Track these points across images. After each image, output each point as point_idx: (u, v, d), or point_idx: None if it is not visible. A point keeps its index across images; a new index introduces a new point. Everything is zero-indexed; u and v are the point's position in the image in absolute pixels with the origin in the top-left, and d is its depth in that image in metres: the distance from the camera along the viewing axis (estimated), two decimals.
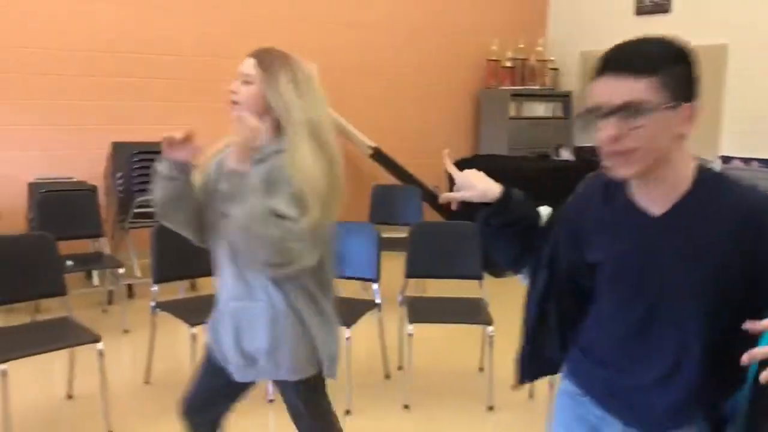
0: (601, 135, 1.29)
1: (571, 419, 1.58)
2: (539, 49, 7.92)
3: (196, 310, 3.55)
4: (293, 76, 1.97)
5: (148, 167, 5.23)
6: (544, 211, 1.69)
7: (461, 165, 1.73)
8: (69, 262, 4.38)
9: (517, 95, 7.67)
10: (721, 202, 1.32)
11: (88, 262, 4.63)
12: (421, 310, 3.69)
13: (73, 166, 5.64)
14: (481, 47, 7.79)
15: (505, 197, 1.62)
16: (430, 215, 6.65)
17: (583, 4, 7.92)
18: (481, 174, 1.67)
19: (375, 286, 3.73)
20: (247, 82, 1.97)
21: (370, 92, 7.17)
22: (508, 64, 7.78)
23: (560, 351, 1.61)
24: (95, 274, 5.28)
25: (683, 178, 1.35)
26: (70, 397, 3.51)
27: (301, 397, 2.13)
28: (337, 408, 2.26)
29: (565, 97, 7.99)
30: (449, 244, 3.89)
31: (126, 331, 4.44)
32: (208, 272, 3.89)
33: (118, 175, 5.45)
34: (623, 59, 1.28)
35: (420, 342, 4.09)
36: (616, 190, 1.45)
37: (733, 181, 1.36)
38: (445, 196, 1.69)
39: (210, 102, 6.11)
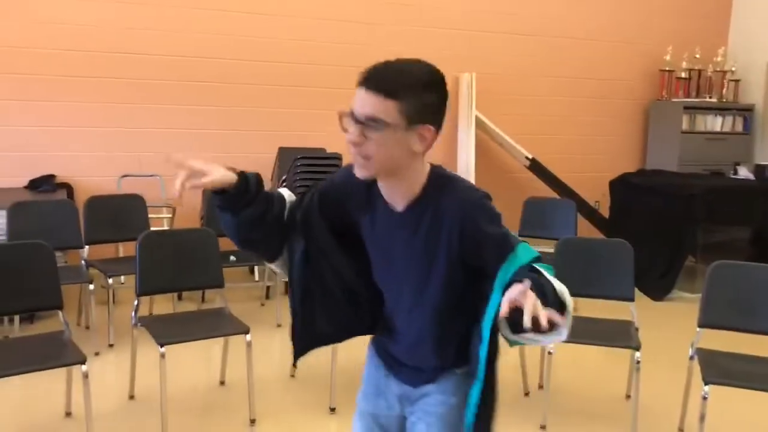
0: (347, 137, 1.49)
1: (368, 377, 1.86)
2: (718, 59, 7.39)
3: None
4: None
5: (308, 171, 5.54)
6: (286, 192, 1.75)
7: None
8: (232, 258, 4.70)
9: (691, 108, 7.20)
10: (445, 199, 1.56)
11: (249, 258, 4.93)
12: None
13: (243, 168, 6.03)
14: (653, 56, 7.41)
15: (242, 179, 1.57)
16: (587, 232, 6.42)
17: None
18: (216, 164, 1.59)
19: None
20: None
21: (529, 101, 7.05)
22: (683, 74, 7.33)
23: (330, 324, 1.77)
24: (256, 269, 5.62)
25: (419, 181, 1.58)
26: (222, 383, 3.77)
27: None
28: None
29: (747, 111, 7.39)
30: (599, 262, 3.73)
31: (279, 326, 4.69)
32: None
33: (283, 178, 5.77)
34: (379, 79, 1.46)
35: (562, 362, 3.97)
36: (369, 185, 1.63)
37: (456, 180, 1.61)
38: (176, 185, 1.49)
39: None
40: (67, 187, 5.53)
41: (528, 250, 1.55)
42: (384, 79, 1.46)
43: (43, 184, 5.38)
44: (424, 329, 1.68)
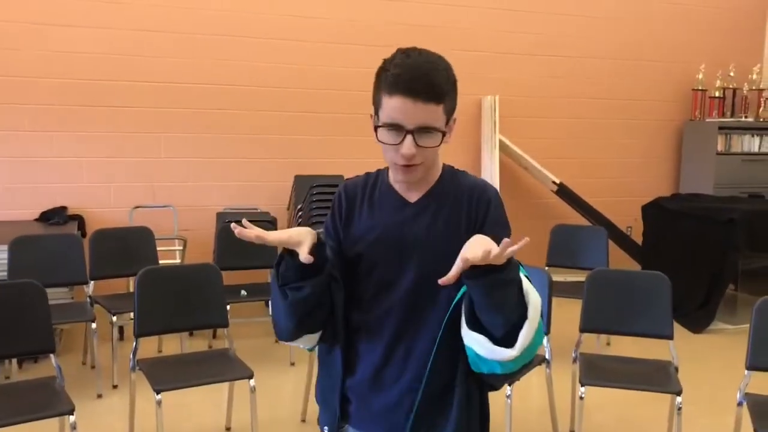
0: (403, 151, 1.45)
1: None
2: (754, 77, 7.07)
3: None
4: None
5: (324, 200, 5.33)
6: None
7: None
8: (243, 292, 4.49)
9: (726, 128, 6.87)
10: (458, 188, 1.59)
11: (261, 292, 4.71)
12: (597, 371, 3.27)
13: (259, 198, 5.87)
14: (685, 75, 7.11)
15: (319, 239, 1.49)
16: (618, 259, 6.11)
17: None
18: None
19: (545, 339, 3.37)
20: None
21: (555, 124, 6.79)
22: (717, 93, 7.01)
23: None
24: (270, 304, 5.39)
25: (435, 174, 1.60)
26: (228, 429, 3.52)
27: None
28: None
29: None
30: (634, 296, 3.43)
31: (292, 364, 4.44)
32: None
33: (299, 206, 5.57)
34: (420, 86, 1.42)
35: (595, 406, 3.67)
36: (375, 182, 1.64)
37: (463, 173, 1.65)
38: (240, 231, 1.40)
39: None
40: (79, 219, 5.39)
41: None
42: (429, 85, 1.43)
43: (54, 216, 5.23)
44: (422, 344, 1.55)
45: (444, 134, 1.48)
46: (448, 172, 1.62)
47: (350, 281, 1.59)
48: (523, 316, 1.39)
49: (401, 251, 1.55)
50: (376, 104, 1.49)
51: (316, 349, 1.70)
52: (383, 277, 1.56)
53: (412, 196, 1.58)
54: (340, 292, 1.56)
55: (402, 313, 1.55)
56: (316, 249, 1.44)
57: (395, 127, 1.44)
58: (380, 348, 1.56)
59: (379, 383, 1.57)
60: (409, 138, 1.43)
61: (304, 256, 1.39)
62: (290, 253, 1.45)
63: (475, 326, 1.41)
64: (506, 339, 1.39)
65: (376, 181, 1.64)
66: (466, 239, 1.42)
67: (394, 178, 1.57)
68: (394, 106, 1.43)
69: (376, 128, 1.49)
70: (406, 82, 1.41)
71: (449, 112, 1.49)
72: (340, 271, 1.57)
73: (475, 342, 1.42)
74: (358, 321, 1.59)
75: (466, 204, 1.55)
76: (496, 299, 1.37)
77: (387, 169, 1.63)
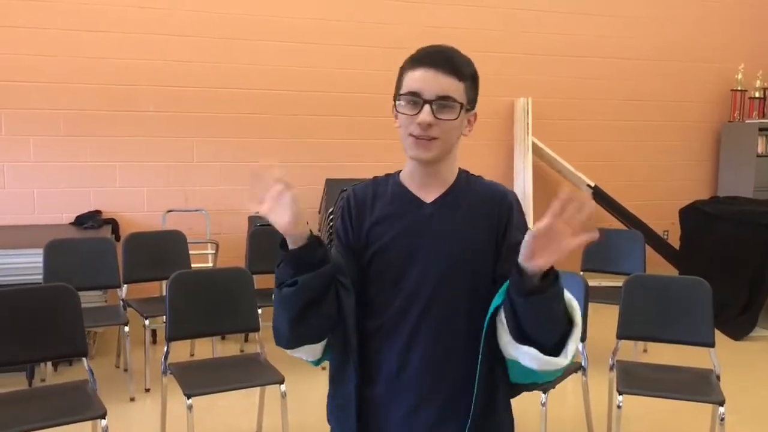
0: (420, 118, 1.44)
1: None
2: None
3: None
4: None
5: None
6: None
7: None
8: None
9: (766, 129, 6.70)
10: (476, 190, 1.57)
11: None
12: (635, 379, 3.18)
13: None
14: (724, 76, 6.95)
15: (312, 235, 1.42)
16: (655, 264, 5.98)
17: None
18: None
19: (580, 346, 3.30)
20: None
21: (590, 126, 6.68)
22: (757, 94, 6.84)
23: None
24: None
25: (452, 174, 1.58)
26: None
27: None
28: None
29: None
30: (674, 302, 3.33)
31: (323, 369, 4.40)
32: None
33: (330, 210, 5.55)
34: (442, 59, 1.47)
35: (633, 415, 3.58)
36: (386, 184, 1.59)
37: (479, 177, 1.62)
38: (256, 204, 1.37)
39: None
40: (113, 223, 5.43)
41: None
42: (455, 61, 1.48)
43: (88, 220, 5.29)
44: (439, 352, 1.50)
45: (462, 107, 1.46)
46: (464, 175, 1.59)
47: (363, 287, 1.53)
48: (570, 323, 1.39)
49: (417, 252, 1.50)
50: (398, 86, 1.51)
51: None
52: (398, 279, 1.51)
53: (429, 196, 1.54)
54: (350, 298, 1.49)
55: (417, 315, 1.49)
56: (310, 246, 1.40)
57: (414, 96, 1.45)
58: (395, 353, 1.51)
59: (394, 391, 1.51)
60: (427, 107, 1.44)
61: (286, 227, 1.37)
62: (287, 250, 1.41)
63: (524, 339, 1.38)
64: (556, 348, 1.39)
65: (387, 183, 1.60)
66: (486, 242, 1.50)
67: (410, 154, 1.50)
68: (416, 77, 1.46)
69: (395, 107, 1.51)
70: (429, 55, 1.48)
71: (470, 99, 1.50)
72: (351, 278, 1.50)
73: (524, 355, 1.40)
74: (372, 327, 1.53)
75: (488, 207, 1.52)
76: (551, 312, 1.37)
77: (398, 172, 1.61)
